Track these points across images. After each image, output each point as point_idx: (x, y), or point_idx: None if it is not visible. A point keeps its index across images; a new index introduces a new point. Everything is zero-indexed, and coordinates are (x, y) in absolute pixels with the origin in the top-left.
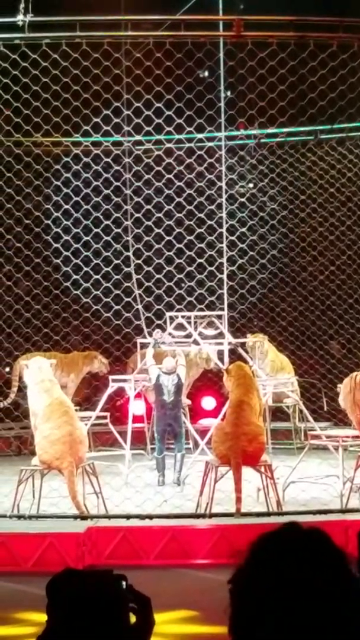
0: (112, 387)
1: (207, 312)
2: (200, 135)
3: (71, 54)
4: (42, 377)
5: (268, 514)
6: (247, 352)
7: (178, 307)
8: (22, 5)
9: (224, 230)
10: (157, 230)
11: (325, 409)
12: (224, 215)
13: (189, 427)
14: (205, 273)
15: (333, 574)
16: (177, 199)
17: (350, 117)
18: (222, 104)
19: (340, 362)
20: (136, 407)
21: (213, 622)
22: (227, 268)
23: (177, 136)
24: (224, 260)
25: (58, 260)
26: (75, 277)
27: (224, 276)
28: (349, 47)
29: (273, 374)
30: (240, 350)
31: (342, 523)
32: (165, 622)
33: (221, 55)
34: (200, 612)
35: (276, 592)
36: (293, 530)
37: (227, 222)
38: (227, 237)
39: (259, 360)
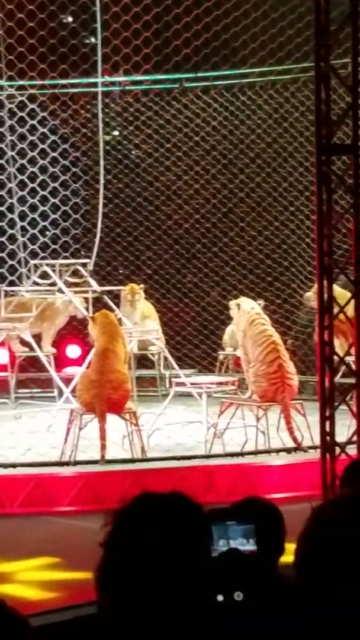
0: None
1: (72, 260)
2: (63, 82)
3: None
4: None
5: (132, 461)
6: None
7: (42, 255)
8: None
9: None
10: (20, 177)
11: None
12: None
13: (54, 375)
14: (70, 221)
15: (194, 530)
16: (41, 146)
17: (215, 66)
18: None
19: (206, 310)
20: (0, 356)
21: (75, 568)
22: (101, 215)
23: (40, 82)
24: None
25: None
26: None
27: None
28: None
29: (141, 321)
30: (106, 299)
31: (206, 468)
32: (27, 569)
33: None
34: (63, 559)
35: (142, 551)
36: (150, 496)
37: (91, 170)
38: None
39: (132, 308)
